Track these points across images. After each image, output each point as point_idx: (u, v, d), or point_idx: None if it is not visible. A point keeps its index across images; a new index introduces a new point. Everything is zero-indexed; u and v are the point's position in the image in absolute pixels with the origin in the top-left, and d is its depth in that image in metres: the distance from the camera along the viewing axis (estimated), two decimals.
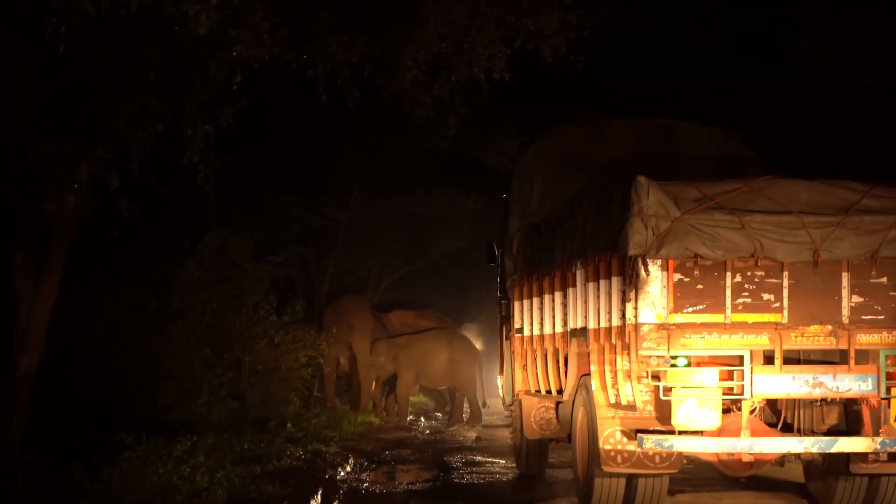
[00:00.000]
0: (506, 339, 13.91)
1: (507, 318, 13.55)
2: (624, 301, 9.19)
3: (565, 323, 10.88)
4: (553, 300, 11.23)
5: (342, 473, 14.36)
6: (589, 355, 10.05)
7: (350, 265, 29.07)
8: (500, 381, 15.01)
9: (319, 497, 11.78)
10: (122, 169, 10.33)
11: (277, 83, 15.85)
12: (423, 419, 25.48)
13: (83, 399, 13.64)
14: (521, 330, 12.52)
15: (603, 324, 9.68)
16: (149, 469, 10.89)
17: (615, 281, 9.38)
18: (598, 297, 9.77)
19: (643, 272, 8.94)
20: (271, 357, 18.47)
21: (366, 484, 13.34)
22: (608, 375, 9.62)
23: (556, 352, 11.36)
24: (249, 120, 13.76)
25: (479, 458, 16.24)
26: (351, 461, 15.58)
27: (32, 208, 11.67)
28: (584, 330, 10.20)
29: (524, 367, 12.52)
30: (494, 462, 15.84)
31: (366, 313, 24.33)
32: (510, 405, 13.88)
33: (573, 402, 10.74)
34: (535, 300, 11.89)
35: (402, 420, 23.79)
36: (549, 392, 11.74)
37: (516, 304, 12.73)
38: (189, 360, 15.68)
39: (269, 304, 18.59)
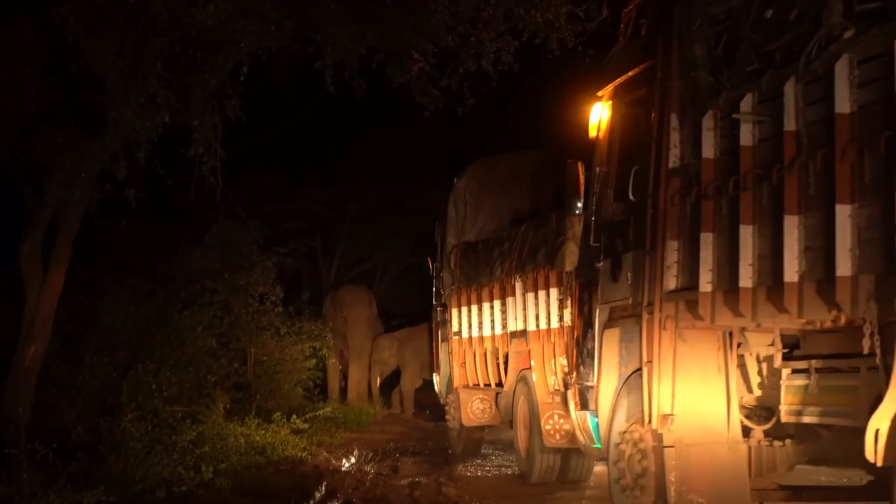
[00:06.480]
0: (442, 341, 16.23)
1: (444, 324, 15.86)
2: (562, 307, 11.02)
3: (504, 326, 13.00)
4: (492, 307, 13.39)
5: (347, 465, 14.37)
6: (529, 353, 12.06)
7: (357, 256, 29.06)
8: (435, 378, 17.23)
9: (324, 488, 11.77)
10: (129, 159, 10.35)
11: (285, 74, 15.83)
12: (428, 412, 25.48)
13: (89, 388, 13.64)
14: (458, 333, 14.77)
15: (542, 326, 11.65)
16: (154, 459, 10.89)
17: (553, 291, 11.33)
18: (537, 304, 11.75)
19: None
20: (277, 348, 18.47)
21: (370, 475, 13.34)
22: (547, 368, 11.51)
23: (494, 351, 13.57)
24: (257, 110, 13.74)
25: (483, 450, 16.23)
26: (356, 452, 15.59)
27: (40, 198, 11.69)
28: (523, 332, 12.25)
29: (462, 365, 14.72)
30: (499, 454, 15.86)
31: (361, 305, 24.25)
32: (447, 397, 15.89)
33: (514, 392, 12.88)
34: (475, 307, 14.10)
35: (407, 413, 23.78)
36: (487, 385, 14.00)
37: (454, 311, 14.96)
38: (195, 351, 15.67)
39: (275, 294, 18.57)
